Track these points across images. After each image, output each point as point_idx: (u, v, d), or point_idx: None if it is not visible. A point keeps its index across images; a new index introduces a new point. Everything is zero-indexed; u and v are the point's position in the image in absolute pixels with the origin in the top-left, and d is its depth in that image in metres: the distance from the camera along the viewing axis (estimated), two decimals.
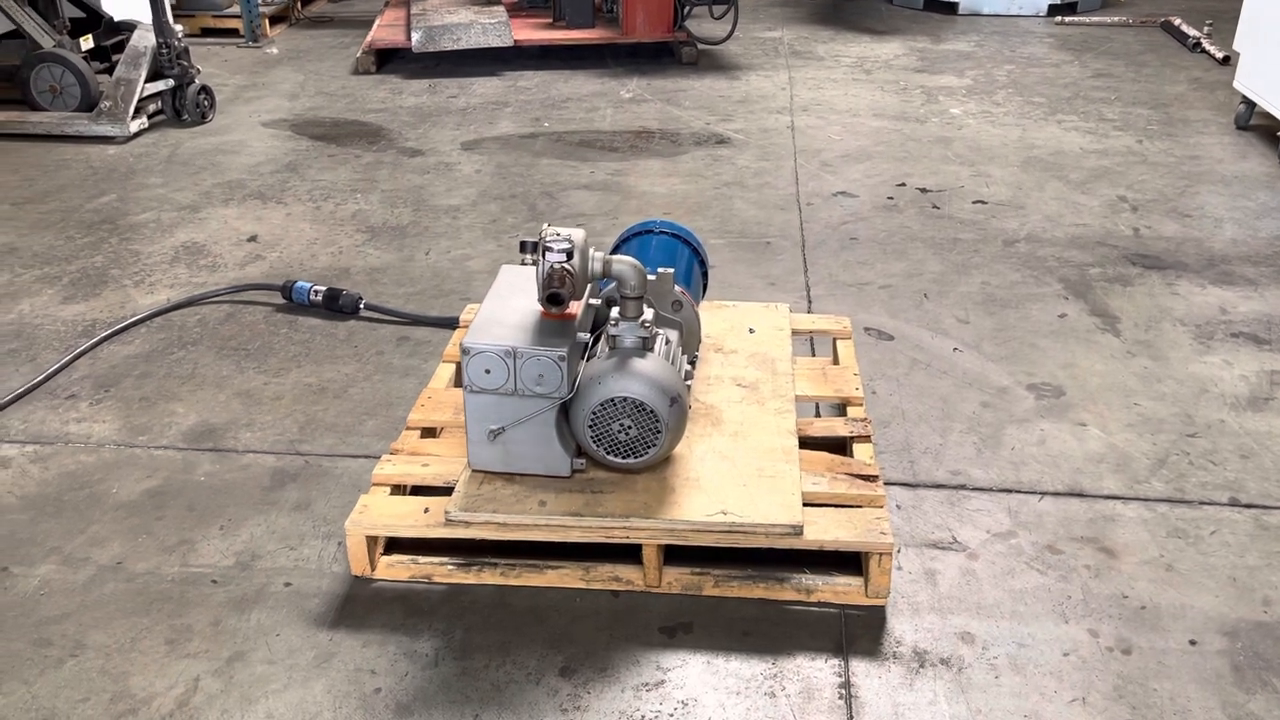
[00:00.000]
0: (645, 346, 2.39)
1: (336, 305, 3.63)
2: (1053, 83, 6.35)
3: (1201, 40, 6.95)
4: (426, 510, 2.42)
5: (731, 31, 6.74)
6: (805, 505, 2.37)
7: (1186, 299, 3.75)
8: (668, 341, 2.50)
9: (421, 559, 2.45)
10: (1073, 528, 2.62)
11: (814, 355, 3.30)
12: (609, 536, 2.35)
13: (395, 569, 2.45)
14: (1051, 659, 2.23)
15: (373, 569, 2.44)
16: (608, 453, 2.38)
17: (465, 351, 2.35)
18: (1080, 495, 2.74)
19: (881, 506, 2.43)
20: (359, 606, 2.37)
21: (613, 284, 2.49)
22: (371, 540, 2.43)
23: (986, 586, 2.43)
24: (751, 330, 3.02)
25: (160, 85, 5.53)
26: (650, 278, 2.51)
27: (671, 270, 2.61)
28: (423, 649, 2.26)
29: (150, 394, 3.20)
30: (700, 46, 6.80)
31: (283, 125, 5.66)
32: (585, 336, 2.44)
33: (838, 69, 6.65)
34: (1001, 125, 5.59)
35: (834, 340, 3.12)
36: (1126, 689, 2.16)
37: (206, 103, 5.69)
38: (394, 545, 2.49)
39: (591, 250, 2.41)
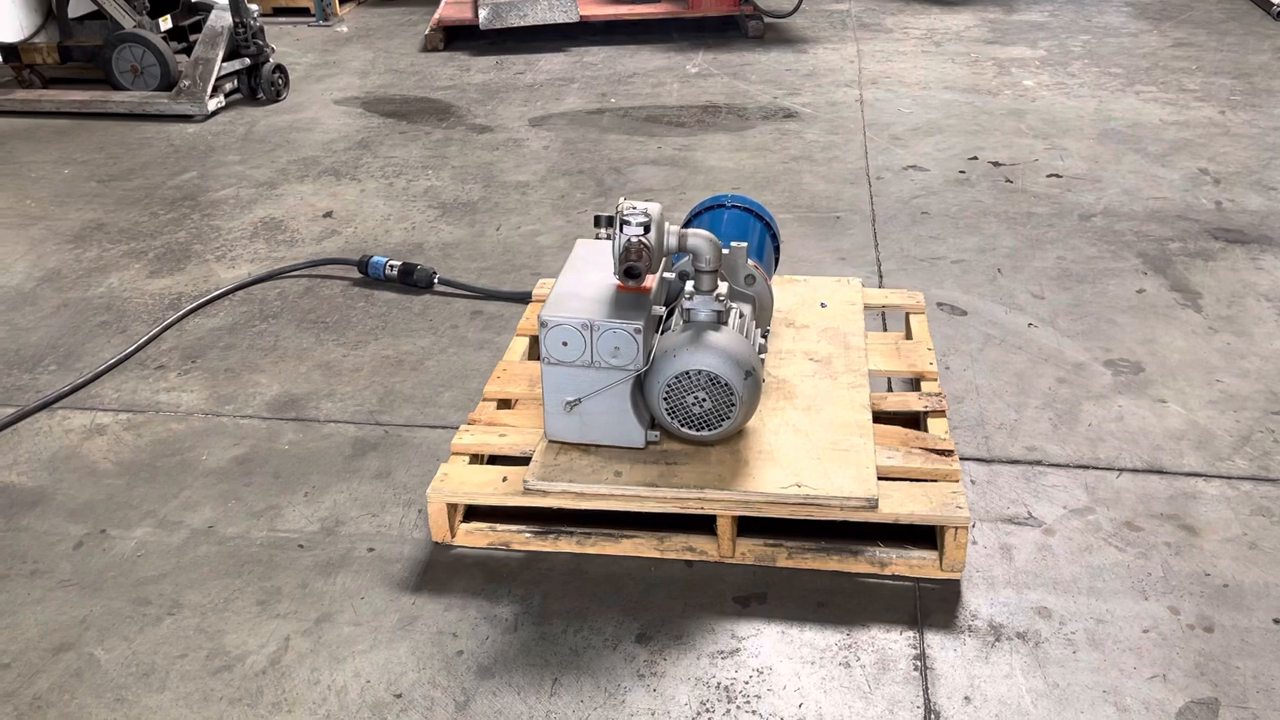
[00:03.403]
0: (720, 320, 2.41)
1: (411, 280, 3.70)
2: (1130, 53, 6.18)
3: None
4: (505, 479, 2.47)
5: (798, 4, 6.67)
6: (879, 479, 2.38)
7: (1271, 274, 3.65)
8: (741, 315, 2.51)
9: (500, 526, 2.51)
10: (1152, 505, 2.59)
11: (886, 330, 3.29)
12: (683, 507, 2.37)
13: (474, 536, 2.51)
14: (1131, 635, 2.21)
15: (452, 535, 2.50)
16: (682, 425, 2.40)
17: (543, 324, 2.39)
18: (1160, 472, 2.70)
19: (957, 481, 2.42)
20: (440, 572, 2.44)
21: (687, 258, 2.51)
22: (451, 508, 2.49)
23: (1063, 562, 2.41)
24: (823, 305, 3.02)
25: (236, 64, 5.65)
26: (724, 252, 2.52)
27: (745, 244, 2.62)
28: (502, 614, 2.31)
29: (235, 365, 3.31)
30: (766, 20, 6.74)
31: (354, 103, 5.75)
32: (660, 310, 2.47)
33: (907, 41, 6.55)
34: (1077, 97, 5.47)
35: (906, 315, 3.10)
36: (1208, 666, 2.14)
37: (281, 81, 5.79)
38: (472, 513, 2.55)
39: (667, 224, 2.42)
